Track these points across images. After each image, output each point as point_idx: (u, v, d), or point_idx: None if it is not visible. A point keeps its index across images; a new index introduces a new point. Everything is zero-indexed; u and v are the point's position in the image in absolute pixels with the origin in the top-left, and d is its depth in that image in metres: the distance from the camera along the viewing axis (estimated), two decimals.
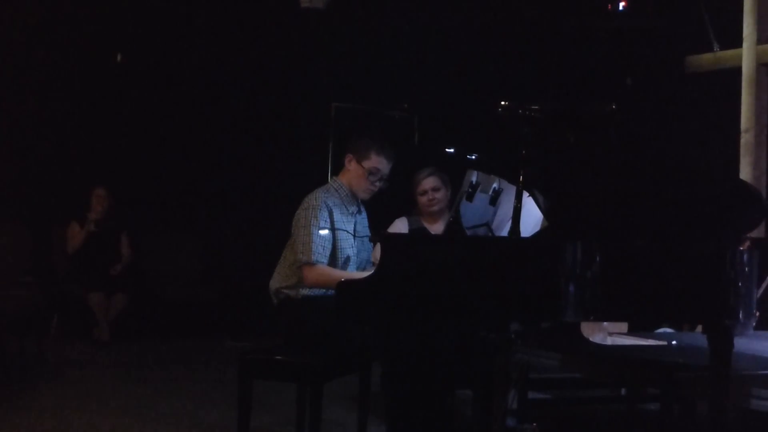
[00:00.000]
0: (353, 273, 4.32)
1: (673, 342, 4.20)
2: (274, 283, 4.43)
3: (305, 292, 4.33)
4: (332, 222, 4.36)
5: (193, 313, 8.20)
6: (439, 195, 5.15)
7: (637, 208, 3.58)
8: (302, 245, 4.28)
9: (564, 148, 3.64)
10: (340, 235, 4.39)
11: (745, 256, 3.33)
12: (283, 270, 4.41)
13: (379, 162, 4.46)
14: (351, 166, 4.50)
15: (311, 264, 4.26)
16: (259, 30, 8.48)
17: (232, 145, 8.74)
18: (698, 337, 3.97)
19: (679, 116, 7.36)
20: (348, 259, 4.42)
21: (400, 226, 5.22)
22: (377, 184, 4.50)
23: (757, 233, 4.95)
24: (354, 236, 4.48)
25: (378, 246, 4.24)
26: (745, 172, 5.96)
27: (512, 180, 3.78)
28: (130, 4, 8.29)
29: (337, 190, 4.49)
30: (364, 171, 4.45)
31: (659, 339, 4.32)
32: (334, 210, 4.39)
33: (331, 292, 3.80)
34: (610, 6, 7.94)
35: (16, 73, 8.04)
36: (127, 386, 5.96)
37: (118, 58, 8.41)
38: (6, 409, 5.15)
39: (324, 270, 4.27)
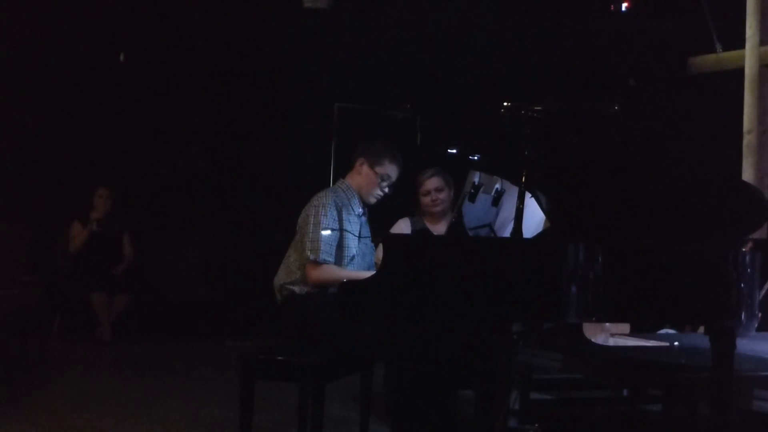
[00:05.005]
0: (359, 273, 4.29)
1: (675, 343, 4.20)
2: (279, 279, 4.42)
3: (310, 288, 4.32)
4: (340, 222, 4.36)
5: (195, 313, 8.19)
6: (442, 195, 5.15)
7: (640, 210, 3.58)
8: (311, 243, 4.27)
9: (566, 149, 3.65)
10: (347, 236, 4.39)
11: (748, 258, 3.33)
12: (287, 268, 4.41)
13: (391, 169, 4.49)
14: (362, 169, 4.49)
15: (318, 263, 4.26)
16: (261, 30, 8.48)
17: (235, 144, 8.75)
18: (700, 338, 3.97)
19: (681, 117, 7.36)
20: (353, 258, 4.41)
21: (403, 226, 5.22)
22: (386, 190, 4.51)
23: (759, 234, 4.94)
24: (359, 238, 4.48)
25: (380, 246, 4.24)
26: (748, 174, 5.95)
27: (515, 181, 3.78)
28: (134, 3, 8.29)
29: (345, 192, 4.48)
30: (376, 176, 4.46)
31: (661, 340, 4.32)
32: (342, 210, 4.39)
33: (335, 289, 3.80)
34: (612, 7, 7.94)
35: (20, 72, 8.04)
36: (129, 386, 5.96)
37: (122, 57, 8.42)
38: (8, 408, 5.15)
39: (330, 269, 4.27)
